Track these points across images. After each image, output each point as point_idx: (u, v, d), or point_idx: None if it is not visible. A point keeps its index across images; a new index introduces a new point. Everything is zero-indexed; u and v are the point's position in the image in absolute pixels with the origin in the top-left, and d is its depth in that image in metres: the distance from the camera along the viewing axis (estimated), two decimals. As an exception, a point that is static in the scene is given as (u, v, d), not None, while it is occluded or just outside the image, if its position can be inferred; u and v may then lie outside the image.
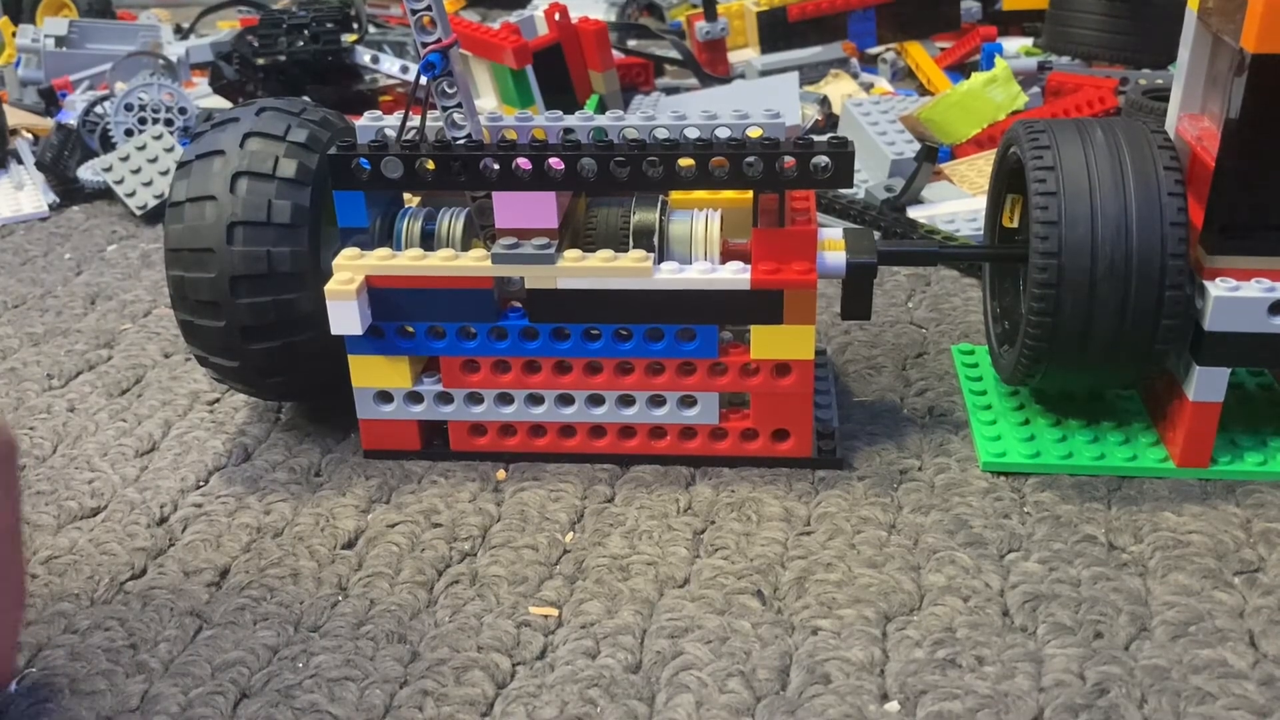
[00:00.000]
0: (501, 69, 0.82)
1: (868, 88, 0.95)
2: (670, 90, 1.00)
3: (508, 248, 0.43)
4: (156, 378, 0.55)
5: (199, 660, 0.36)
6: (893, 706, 0.34)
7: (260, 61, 0.93)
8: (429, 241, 0.46)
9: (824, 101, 0.87)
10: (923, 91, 0.96)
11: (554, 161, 0.42)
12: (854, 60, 1.01)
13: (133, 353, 0.57)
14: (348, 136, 0.48)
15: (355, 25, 0.98)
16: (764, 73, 0.98)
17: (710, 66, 1.02)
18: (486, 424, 0.46)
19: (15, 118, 0.93)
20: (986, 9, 1.10)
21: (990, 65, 0.83)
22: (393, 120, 0.48)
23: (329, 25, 0.93)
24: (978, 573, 0.39)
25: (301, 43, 0.92)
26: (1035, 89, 0.86)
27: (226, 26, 1.22)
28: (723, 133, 0.45)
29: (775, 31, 1.01)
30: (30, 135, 0.91)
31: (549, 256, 0.42)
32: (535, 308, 0.44)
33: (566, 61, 0.84)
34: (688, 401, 0.45)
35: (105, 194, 0.81)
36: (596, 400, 0.45)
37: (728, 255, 0.45)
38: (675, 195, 0.48)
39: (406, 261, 0.43)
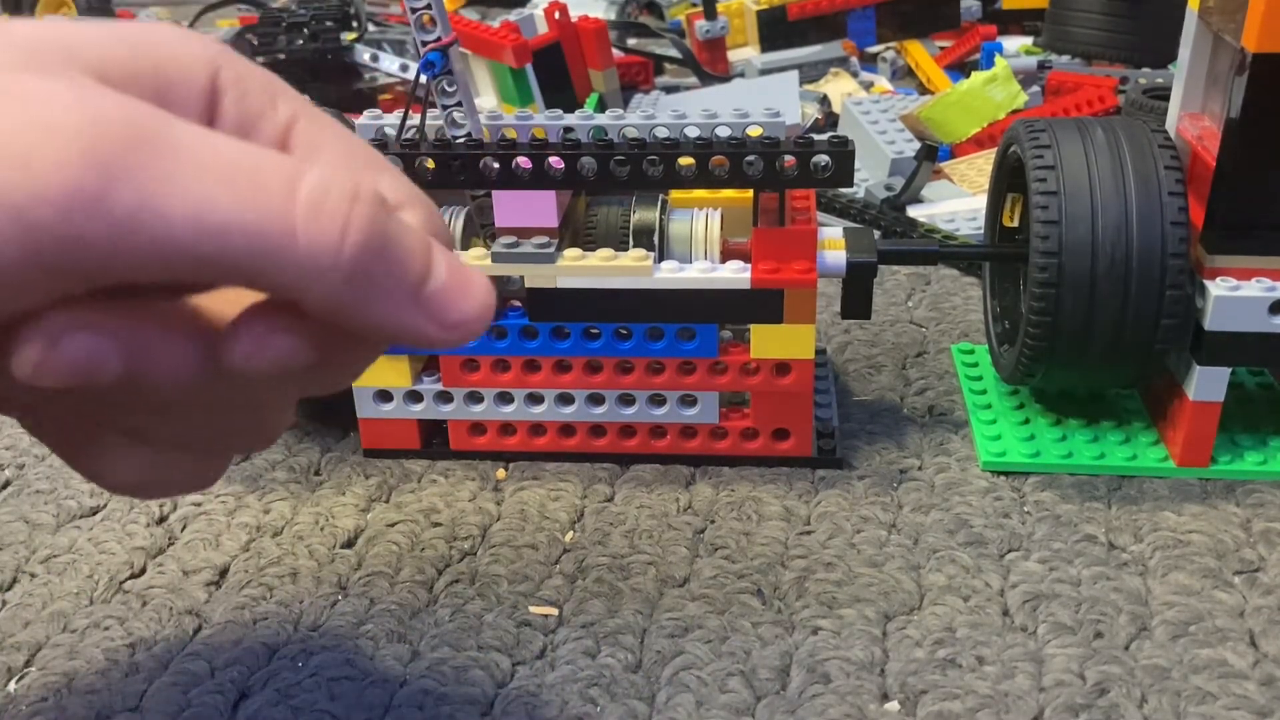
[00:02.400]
0: (501, 67, 0.82)
1: (867, 86, 0.95)
2: (670, 89, 1.00)
3: (507, 246, 0.43)
4: (156, 376, 0.55)
5: (198, 660, 0.36)
6: (893, 706, 0.34)
7: (259, 60, 0.93)
8: (429, 240, 0.46)
9: (824, 100, 0.87)
10: (922, 90, 0.96)
11: (554, 160, 0.42)
12: (854, 59, 1.01)
13: (132, 351, 0.57)
14: (347, 135, 0.48)
15: (355, 23, 0.98)
16: (764, 71, 0.98)
17: (710, 65, 1.01)
18: (486, 423, 0.46)
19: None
20: (986, 8, 1.10)
21: (990, 64, 0.83)
22: (392, 119, 0.47)
23: (328, 23, 0.93)
24: (978, 572, 0.39)
25: (301, 41, 0.92)
26: (1035, 88, 0.86)
27: (226, 25, 1.22)
28: (723, 131, 0.45)
29: (775, 30, 1.01)
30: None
31: (549, 255, 0.42)
32: (535, 307, 0.43)
33: (566, 60, 0.84)
34: (688, 401, 0.45)
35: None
36: (596, 399, 0.45)
37: (728, 254, 0.45)
38: (675, 194, 0.48)
39: (406, 260, 0.43)
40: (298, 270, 0.19)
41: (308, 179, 0.19)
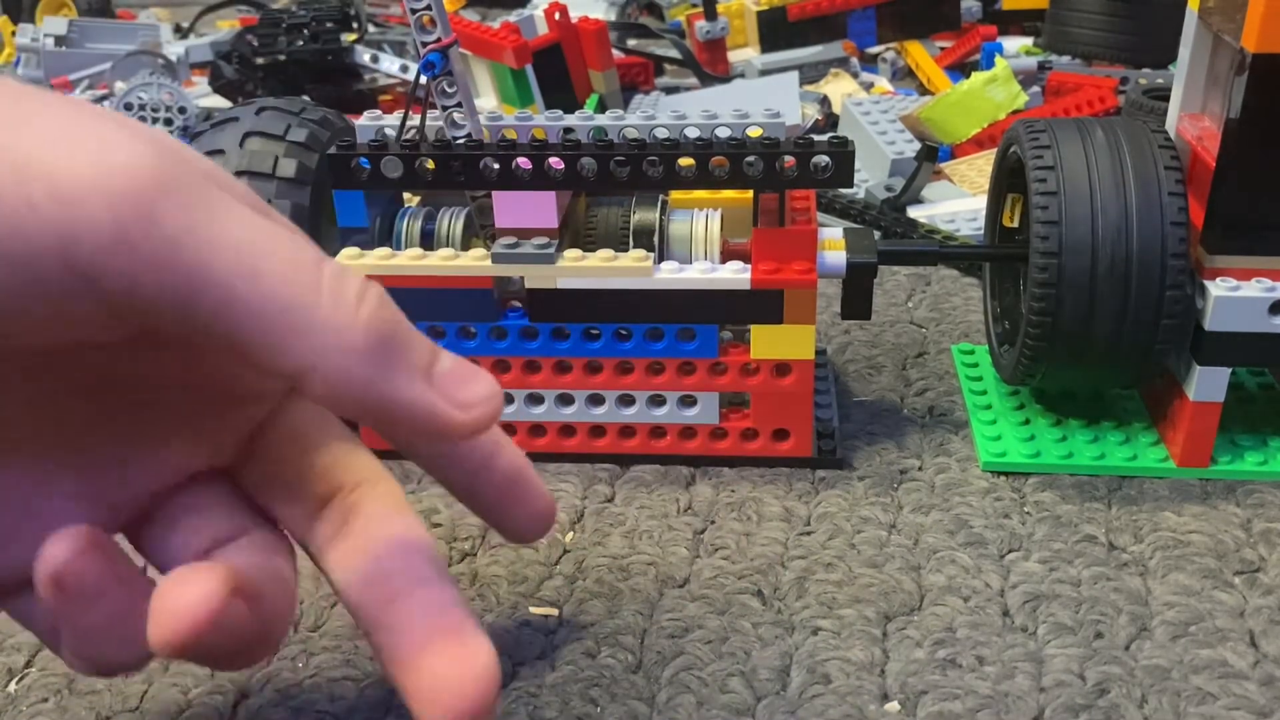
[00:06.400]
0: (501, 68, 0.82)
1: (868, 87, 0.95)
2: (670, 90, 1.00)
3: (508, 247, 0.43)
4: (156, 377, 0.55)
5: (199, 660, 0.36)
6: (893, 706, 0.34)
7: (260, 61, 0.93)
8: (429, 241, 0.46)
9: (824, 101, 0.87)
10: (923, 91, 0.96)
11: (554, 161, 0.42)
12: (854, 59, 1.01)
13: (132, 352, 0.57)
14: (347, 136, 0.48)
15: (355, 24, 0.98)
16: (764, 72, 0.98)
17: (710, 66, 1.02)
18: (486, 424, 0.46)
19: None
20: (987, 8, 1.10)
21: (990, 64, 0.83)
22: (392, 120, 0.47)
23: (329, 24, 0.93)
24: (978, 573, 0.39)
25: (301, 42, 0.92)
26: (1035, 88, 0.86)
27: (226, 26, 1.22)
28: (723, 132, 0.45)
29: (775, 31, 1.01)
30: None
31: (549, 256, 0.42)
32: (535, 307, 0.43)
33: (566, 61, 0.84)
34: (688, 401, 0.45)
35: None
36: (596, 400, 0.45)
37: (728, 255, 0.45)
38: (675, 195, 0.48)
39: (406, 261, 0.43)
40: (318, 337, 0.21)
41: (328, 261, 0.22)
